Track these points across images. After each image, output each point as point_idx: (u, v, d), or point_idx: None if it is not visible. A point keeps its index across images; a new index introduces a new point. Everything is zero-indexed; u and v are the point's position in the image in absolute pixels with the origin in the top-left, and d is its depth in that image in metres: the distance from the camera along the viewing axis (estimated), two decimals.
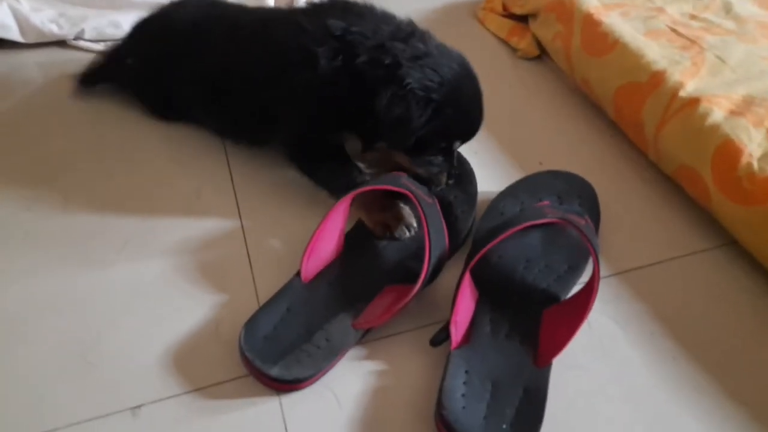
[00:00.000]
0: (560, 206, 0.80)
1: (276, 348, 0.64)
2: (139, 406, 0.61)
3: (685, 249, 0.80)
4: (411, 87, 0.68)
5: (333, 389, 0.63)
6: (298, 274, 0.71)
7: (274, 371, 0.62)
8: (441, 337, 0.66)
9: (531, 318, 0.69)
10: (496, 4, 1.26)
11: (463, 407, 0.59)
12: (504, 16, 1.25)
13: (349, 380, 0.64)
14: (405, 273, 0.71)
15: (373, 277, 0.72)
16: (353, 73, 0.71)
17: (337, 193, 0.77)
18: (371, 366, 0.66)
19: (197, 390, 0.63)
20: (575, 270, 0.74)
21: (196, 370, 0.65)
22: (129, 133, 0.95)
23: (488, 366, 0.64)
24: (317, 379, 0.63)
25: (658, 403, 0.63)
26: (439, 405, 0.59)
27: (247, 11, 0.91)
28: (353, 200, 0.73)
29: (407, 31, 0.73)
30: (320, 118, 0.77)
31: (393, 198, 0.75)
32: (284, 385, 0.62)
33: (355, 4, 0.78)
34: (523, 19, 1.22)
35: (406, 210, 0.76)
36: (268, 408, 0.62)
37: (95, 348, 0.67)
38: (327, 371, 0.64)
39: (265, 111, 0.81)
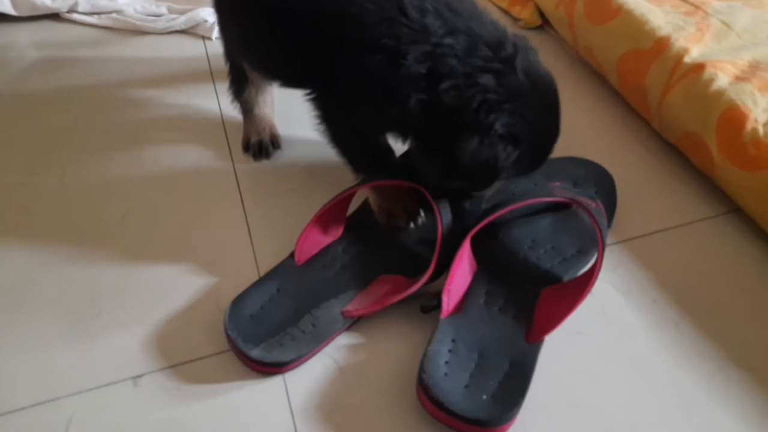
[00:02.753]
0: (572, 188, 0.79)
1: (261, 329, 0.63)
2: (140, 375, 0.61)
3: (688, 217, 0.79)
4: (499, 134, 0.62)
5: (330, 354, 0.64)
6: (292, 255, 0.70)
7: (255, 353, 0.61)
8: (432, 304, 0.65)
9: (528, 295, 0.67)
10: None
11: (445, 374, 0.59)
12: None
13: (335, 345, 0.64)
14: (402, 264, 0.70)
15: (368, 265, 0.70)
16: (434, 91, 0.62)
17: (360, 171, 0.75)
18: (359, 331, 0.65)
19: (199, 359, 0.63)
20: (584, 255, 0.72)
21: (196, 339, 0.65)
22: (126, 107, 0.95)
23: (477, 336, 0.63)
24: (299, 364, 0.62)
25: (659, 369, 0.63)
26: (421, 369, 0.59)
27: None
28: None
29: (502, 57, 0.63)
30: (377, 112, 0.68)
31: (409, 190, 0.72)
32: (264, 368, 0.61)
33: (462, 3, 0.68)
34: None
35: (416, 206, 0.73)
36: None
37: (96, 318, 0.67)
38: (309, 357, 0.63)
39: (329, 67, 0.69)
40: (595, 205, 0.72)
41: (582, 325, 0.66)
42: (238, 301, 0.65)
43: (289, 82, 0.77)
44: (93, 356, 0.63)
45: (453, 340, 0.62)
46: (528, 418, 0.58)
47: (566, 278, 0.70)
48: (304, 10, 0.68)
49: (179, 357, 0.63)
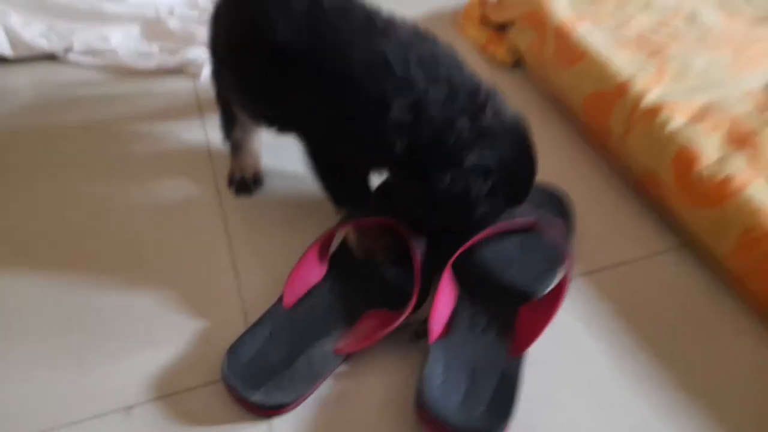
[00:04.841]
0: (534, 209, 0.84)
1: (258, 374, 0.67)
2: (132, 406, 0.66)
3: (646, 250, 0.85)
4: (468, 166, 0.68)
5: None
6: (281, 299, 0.74)
7: (256, 397, 0.64)
8: (421, 331, 0.70)
9: (508, 313, 0.73)
10: (475, 13, 1.31)
11: (441, 393, 0.64)
12: (482, 24, 1.29)
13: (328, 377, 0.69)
14: (385, 298, 0.74)
15: (354, 302, 0.75)
16: (416, 136, 0.69)
17: (340, 205, 0.81)
18: (353, 360, 0.70)
19: (188, 390, 0.67)
20: (551, 272, 0.78)
21: (184, 370, 0.69)
22: (120, 143, 0.99)
23: (466, 356, 0.68)
24: (299, 404, 0.66)
25: (616, 393, 0.68)
26: (418, 391, 0.64)
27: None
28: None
29: (478, 103, 0.70)
30: (363, 153, 0.75)
31: (385, 228, 0.77)
32: (267, 411, 0.65)
33: (437, 48, 0.74)
34: (500, 27, 1.26)
35: (393, 243, 0.78)
36: None
37: (88, 349, 0.71)
38: (309, 395, 0.67)
39: (316, 113, 0.75)
40: (560, 226, 0.78)
41: (546, 354, 0.71)
42: (233, 350, 0.68)
43: (282, 127, 0.82)
44: (85, 387, 0.67)
45: (445, 362, 0.67)
46: None
47: (540, 293, 0.75)
48: (300, 66, 0.73)
49: (169, 388, 0.67)
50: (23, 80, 1.11)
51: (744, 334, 0.75)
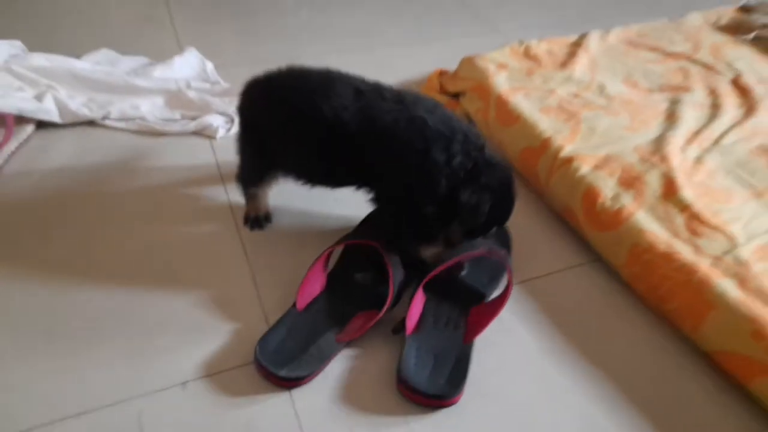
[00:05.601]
0: (485, 242, 1.12)
1: (282, 358, 0.90)
2: (186, 382, 0.88)
3: (567, 264, 1.12)
4: (482, 183, 0.96)
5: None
6: (294, 304, 0.98)
7: (282, 373, 0.88)
8: (399, 327, 0.96)
9: (462, 313, 0.99)
10: (435, 84, 1.61)
11: (415, 370, 0.89)
12: (441, 93, 1.60)
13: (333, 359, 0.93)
14: (372, 301, 0.99)
15: (349, 305, 0.99)
16: (450, 168, 0.96)
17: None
18: (351, 346, 0.95)
19: (228, 370, 0.90)
20: (495, 283, 1.05)
21: (224, 358, 0.92)
22: (152, 194, 1.23)
23: (432, 344, 0.94)
24: (313, 378, 0.90)
25: (542, 366, 0.95)
26: (398, 369, 0.89)
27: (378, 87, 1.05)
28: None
29: (479, 144, 1.00)
30: (417, 190, 0.99)
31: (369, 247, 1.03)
32: (290, 383, 0.89)
33: (446, 111, 1.03)
34: (455, 96, 1.56)
35: (377, 263, 1.03)
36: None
37: (149, 341, 0.94)
38: (320, 371, 0.91)
39: (372, 172, 1.02)
40: (504, 253, 1.05)
41: (494, 338, 0.96)
42: (262, 342, 0.91)
43: (336, 184, 1.10)
44: (149, 368, 0.90)
45: (417, 348, 0.93)
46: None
47: (487, 298, 1.02)
48: (355, 137, 0.99)
49: (214, 369, 0.90)
50: (70, 142, 1.36)
51: (635, 323, 1.02)
